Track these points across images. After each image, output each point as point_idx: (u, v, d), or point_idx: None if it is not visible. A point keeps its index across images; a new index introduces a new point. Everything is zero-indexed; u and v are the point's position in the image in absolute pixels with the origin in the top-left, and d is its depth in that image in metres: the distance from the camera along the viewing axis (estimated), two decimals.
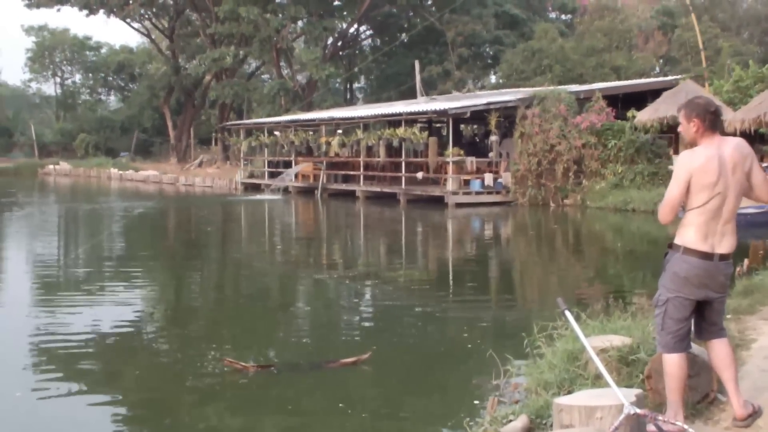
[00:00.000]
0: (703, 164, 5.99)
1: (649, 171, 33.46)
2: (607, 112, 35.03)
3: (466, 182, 36.53)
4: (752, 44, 60.86)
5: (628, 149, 33.98)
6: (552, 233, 28.58)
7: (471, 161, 37.49)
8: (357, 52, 76.53)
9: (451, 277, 19.34)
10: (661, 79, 48.87)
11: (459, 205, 34.93)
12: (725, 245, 6.12)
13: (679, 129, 6.37)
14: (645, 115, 32.50)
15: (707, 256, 6.05)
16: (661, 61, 70.82)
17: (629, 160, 33.99)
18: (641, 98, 36.37)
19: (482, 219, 32.62)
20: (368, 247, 25.82)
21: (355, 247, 26.01)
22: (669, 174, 31.44)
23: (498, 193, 36.10)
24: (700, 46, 41.72)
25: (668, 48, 66.22)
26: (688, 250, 6.06)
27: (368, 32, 76.43)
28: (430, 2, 68.08)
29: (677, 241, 6.16)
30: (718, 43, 55.27)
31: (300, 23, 67.20)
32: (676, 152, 33.94)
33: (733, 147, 6.16)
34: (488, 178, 36.45)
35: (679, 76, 41.10)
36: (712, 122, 6.16)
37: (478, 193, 36.09)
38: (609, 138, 34.39)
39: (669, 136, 34.75)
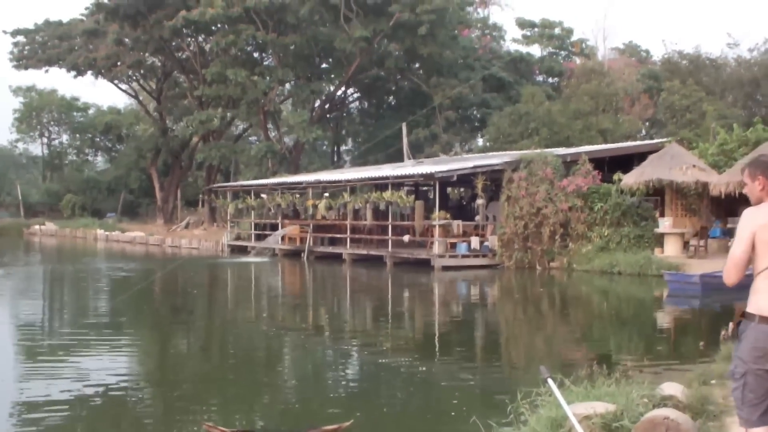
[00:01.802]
0: (767, 221, 5.72)
1: (635, 234, 33.54)
2: (593, 175, 35.16)
3: (453, 245, 36.55)
4: (736, 108, 61.31)
5: (614, 212, 34.07)
6: (538, 296, 28.54)
7: (457, 224, 37.57)
8: (344, 114, 76.94)
9: (436, 341, 19.27)
10: (647, 142, 49.24)
11: (445, 268, 34.90)
12: None
13: (744, 190, 6.07)
14: (631, 178, 32.67)
15: None
16: (647, 123, 71.33)
17: (615, 223, 34.06)
18: (627, 161, 36.58)
19: (469, 282, 32.57)
20: (354, 310, 25.72)
21: (341, 310, 25.92)
22: (655, 237, 31.69)
23: (484, 256, 36.12)
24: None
25: (654, 111, 66.71)
26: (763, 318, 5.70)
27: (356, 95, 76.87)
28: (417, 65, 68.47)
29: (750, 309, 5.81)
30: (703, 107, 55.72)
31: (288, 86, 67.76)
32: (662, 215, 34.14)
33: None
34: (475, 241, 36.51)
35: (664, 139, 41.38)
36: None
37: (464, 256, 36.08)
38: (595, 201, 34.50)
39: (655, 198, 34.93)
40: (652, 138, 61.53)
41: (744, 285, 18.28)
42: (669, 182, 32.54)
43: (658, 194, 35.02)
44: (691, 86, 60.72)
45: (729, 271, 5.77)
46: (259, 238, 48.23)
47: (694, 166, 32.62)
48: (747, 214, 5.85)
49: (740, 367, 5.83)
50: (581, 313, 24.60)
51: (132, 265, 41.24)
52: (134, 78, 73.64)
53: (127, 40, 64.53)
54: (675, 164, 32.38)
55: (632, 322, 22.33)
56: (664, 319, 22.81)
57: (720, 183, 29.48)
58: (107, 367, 15.02)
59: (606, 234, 33.88)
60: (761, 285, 5.73)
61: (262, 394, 13.32)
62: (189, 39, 66.13)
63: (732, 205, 34.57)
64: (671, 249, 31.88)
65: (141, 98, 78.21)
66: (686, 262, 29.75)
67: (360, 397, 12.97)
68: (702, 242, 32.79)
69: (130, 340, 19.02)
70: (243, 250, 47.80)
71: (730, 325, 13.97)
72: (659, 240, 32.70)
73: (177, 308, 25.64)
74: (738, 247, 5.74)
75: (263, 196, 49.46)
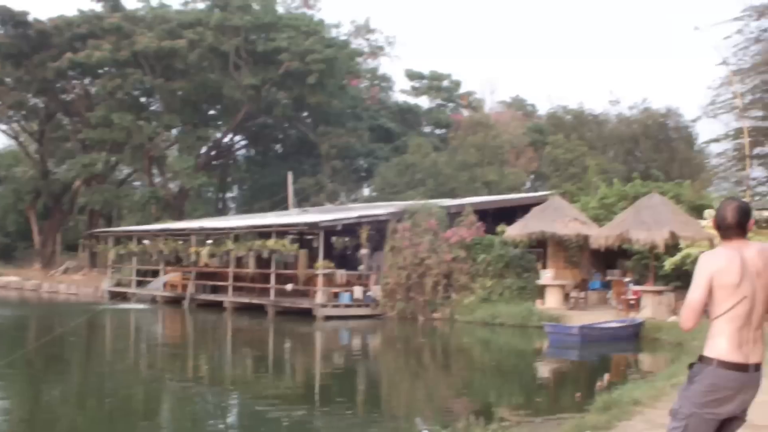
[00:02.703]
0: (724, 265, 5.67)
1: (517, 285, 33.79)
2: (477, 227, 35.42)
3: (336, 295, 36.39)
4: (617, 163, 62.50)
5: (497, 264, 34.31)
6: (420, 347, 28.56)
7: (341, 274, 37.48)
8: (231, 161, 76.47)
9: (317, 391, 19.15)
10: (531, 194, 49.83)
11: (328, 318, 34.70)
12: (758, 353, 5.72)
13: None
14: (514, 230, 32.93)
15: (742, 367, 5.64)
16: (531, 176, 72.29)
17: (498, 275, 34.28)
18: (511, 213, 36.89)
19: (351, 332, 32.47)
20: (235, 360, 25.43)
21: (222, 359, 25.61)
22: (537, 289, 32.02)
23: (367, 306, 36.00)
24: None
25: (538, 164, 67.69)
26: (722, 363, 5.63)
27: (243, 142, 76.47)
28: (305, 114, 68.48)
29: (708, 353, 5.71)
30: (586, 161, 56.72)
31: (174, 131, 67.12)
32: (544, 267, 34.50)
33: (756, 250, 5.83)
34: (358, 290, 36.41)
35: (548, 192, 41.92)
36: (738, 223, 5.84)
37: (347, 305, 35.93)
38: (479, 252, 34.71)
39: (538, 250, 35.30)
40: (536, 190, 62.27)
41: (618, 336, 18.55)
42: (551, 234, 32.87)
43: (540, 246, 35.39)
44: (574, 141, 61.87)
45: (687, 316, 5.70)
46: (141, 284, 47.50)
47: (575, 219, 33.01)
48: (703, 258, 5.84)
49: (686, 408, 5.75)
50: (462, 364, 24.68)
51: (4, 312, 40.19)
52: (15, 119, 72.10)
53: (8, 79, 63.23)
54: (557, 217, 32.74)
55: (512, 373, 22.46)
56: (543, 370, 22.99)
57: (600, 236, 29.87)
58: None
59: (489, 285, 34.06)
60: (720, 329, 5.70)
61: None
62: (74, 81, 65.15)
63: (611, 258, 35.12)
64: (552, 300, 32.16)
65: (21, 139, 76.57)
66: (567, 314, 30.05)
67: None
68: (582, 294, 33.20)
69: None
70: (123, 297, 46.97)
71: (606, 376, 14.10)
72: (541, 291, 32.96)
73: (52, 356, 25.00)
74: (695, 292, 5.69)
75: (146, 242, 48.79)
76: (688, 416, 5.70)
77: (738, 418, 5.82)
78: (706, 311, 5.78)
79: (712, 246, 26.99)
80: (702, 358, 5.76)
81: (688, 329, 5.77)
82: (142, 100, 66.46)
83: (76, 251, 74.63)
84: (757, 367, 5.71)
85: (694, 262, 19.37)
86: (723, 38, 34.79)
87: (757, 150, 29.70)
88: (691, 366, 5.85)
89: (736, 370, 5.63)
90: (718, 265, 5.70)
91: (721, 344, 5.67)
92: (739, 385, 5.66)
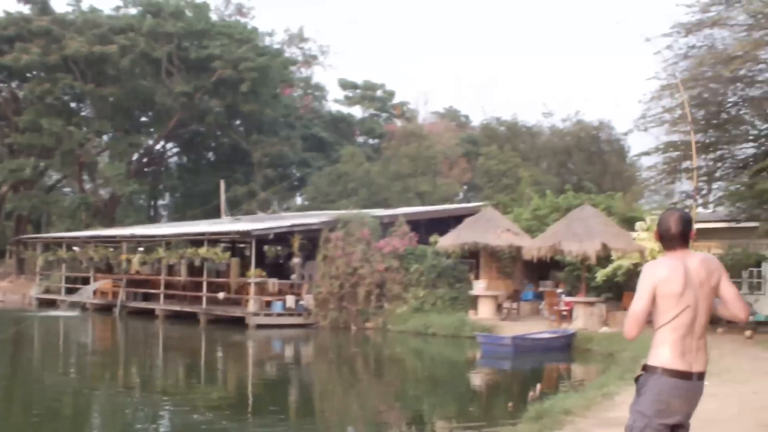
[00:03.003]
0: (667, 275, 5.72)
1: (450, 295, 33.86)
2: (410, 237, 35.45)
3: (268, 303, 36.21)
4: (550, 174, 62.93)
5: (430, 274, 34.36)
6: (352, 357, 28.51)
7: (273, 283, 37.30)
8: (163, 169, 75.90)
9: (249, 400, 19.03)
10: (463, 205, 50.08)
11: (260, 327, 34.50)
12: (701, 362, 5.79)
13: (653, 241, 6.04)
14: (447, 241, 32.99)
15: (686, 375, 5.71)
16: (464, 187, 72.64)
17: (431, 285, 34.33)
18: (444, 223, 36.97)
19: (283, 341, 32.35)
20: (166, 368, 25.22)
21: (153, 367, 25.37)
22: (470, 299, 32.10)
23: (300, 315, 35.84)
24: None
25: (472, 175, 67.99)
26: (666, 371, 5.68)
27: (175, 149, 76.00)
28: (238, 122, 68.27)
29: (652, 362, 5.77)
30: (519, 172, 57.04)
31: (105, 137, 66.47)
32: (477, 277, 34.63)
33: (698, 260, 5.90)
34: (290, 300, 36.25)
35: (481, 203, 42.08)
36: (681, 233, 5.91)
37: (279, 314, 35.75)
38: (411, 262, 34.74)
39: (470, 261, 35.43)
40: (469, 201, 62.61)
41: (550, 347, 18.63)
42: (484, 245, 33.00)
43: (473, 257, 35.54)
44: (507, 152, 62.20)
45: (630, 325, 5.77)
46: (70, 291, 46.92)
47: (508, 230, 33.15)
48: (646, 268, 5.88)
49: (639, 421, 5.76)
50: (395, 373, 24.67)
51: None
52: None
53: None
54: (490, 228, 32.85)
55: (445, 383, 22.47)
56: (476, 380, 23.05)
57: (532, 247, 30.02)
58: None
59: (421, 295, 34.11)
60: (663, 338, 5.75)
61: None
62: (1, 84, 64.28)
63: (544, 269, 35.35)
64: (485, 311, 32.27)
65: None
66: (499, 324, 30.15)
67: None
68: (515, 305, 33.34)
69: None
70: (52, 304, 46.35)
71: (538, 386, 14.17)
72: (473, 302, 33.05)
73: None
74: (639, 302, 5.72)
75: (76, 248, 48.25)
76: (642, 429, 5.74)
77: (682, 426, 5.85)
78: (650, 320, 5.80)
79: (643, 257, 27.32)
80: (646, 367, 5.81)
81: (631, 338, 5.83)
82: (73, 105, 65.66)
83: (2, 257, 73.53)
84: (701, 375, 5.78)
85: (626, 273, 19.66)
86: (653, 53, 34.98)
87: (686, 164, 29.97)
88: (637, 379, 5.89)
89: (680, 378, 5.69)
90: (661, 275, 5.74)
91: (664, 353, 5.71)
92: (683, 392, 5.72)
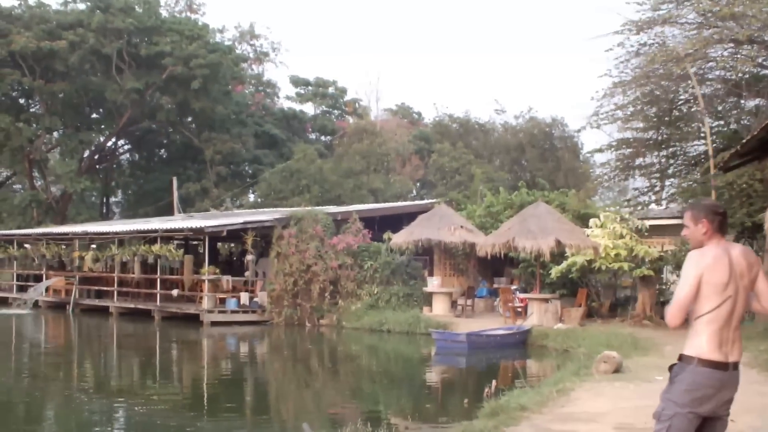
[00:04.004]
0: (713, 264, 5.78)
1: (404, 292, 33.88)
2: (363, 234, 35.45)
3: (222, 301, 36.09)
4: (503, 171, 63.28)
5: (384, 271, 34.39)
6: (307, 353, 28.52)
7: (227, 280, 37.17)
8: (115, 166, 75.35)
9: (205, 398, 18.98)
10: (417, 202, 50.18)
11: (214, 324, 34.37)
12: (737, 353, 5.87)
13: (684, 233, 6.06)
14: (401, 238, 33.03)
15: (722, 365, 5.77)
16: (417, 184, 72.79)
17: (385, 282, 34.36)
18: (398, 220, 37.04)
19: (237, 338, 32.27)
20: (119, 367, 25.08)
21: (107, 366, 25.26)
22: (424, 296, 32.16)
23: (254, 312, 35.76)
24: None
25: (424, 172, 68.15)
26: (702, 361, 5.75)
27: (127, 146, 75.48)
28: (189, 119, 67.89)
29: (689, 352, 5.83)
30: (472, 169, 57.25)
31: (56, 134, 65.94)
32: (431, 274, 34.71)
33: (740, 251, 5.98)
34: (244, 297, 36.17)
35: (434, 200, 42.17)
36: (721, 223, 6.00)
37: (233, 311, 35.64)
38: (365, 259, 34.75)
39: (424, 258, 35.50)
40: (422, 198, 62.80)
41: (505, 343, 18.66)
42: (437, 242, 33.09)
43: (427, 254, 35.60)
44: (460, 149, 62.50)
45: (674, 313, 5.78)
46: (22, 289, 46.53)
47: (461, 226, 33.26)
48: (693, 255, 5.91)
49: (669, 409, 5.83)
50: (350, 370, 24.68)
51: None
52: None
53: None
54: (443, 225, 32.94)
55: (400, 379, 22.55)
56: (431, 376, 23.12)
57: (486, 244, 30.10)
58: None
59: (375, 292, 34.13)
60: (702, 328, 5.79)
61: None
62: None
63: (498, 266, 35.51)
64: (439, 308, 32.33)
65: None
66: (454, 321, 30.22)
67: None
68: (469, 301, 33.46)
69: None
70: (3, 302, 45.96)
71: (493, 382, 14.25)
72: (428, 299, 33.12)
73: None
74: (684, 289, 5.77)
75: (27, 246, 47.89)
76: (671, 417, 5.81)
77: (720, 418, 5.94)
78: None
79: (597, 254, 27.54)
80: (682, 357, 5.88)
81: (674, 326, 5.84)
82: (22, 101, 64.96)
83: None
84: (736, 366, 5.86)
85: (580, 270, 19.76)
86: (605, 51, 35.27)
87: (639, 161, 30.28)
88: (671, 367, 5.96)
89: (716, 369, 5.76)
90: (708, 263, 5.80)
91: (701, 343, 5.79)
92: (719, 383, 5.79)
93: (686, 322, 5.95)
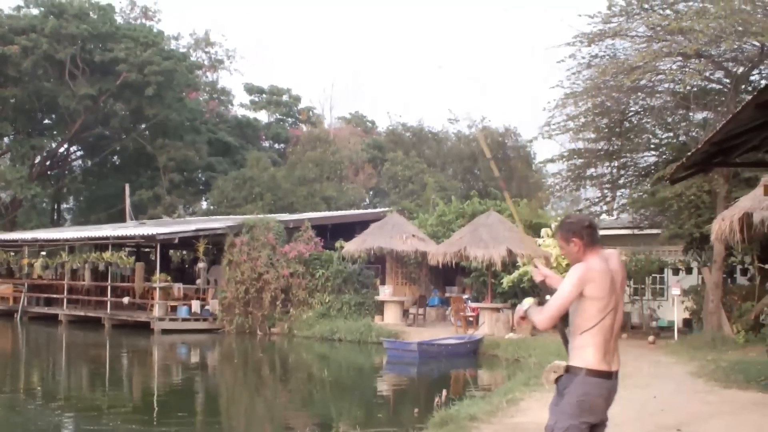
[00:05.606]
0: (597, 279, 5.84)
1: (356, 301, 33.89)
2: (315, 242, 35.43)
3: (173, 308, 35.95)
4: (456, 180, 63.49)
5: (335, 279, 34.39)
6: (258, 362, 28.43)
7: (178, 287, 37.06)
8: (66, 172, 74.71)
9: (155, 406, 18.84)
10: (369, 210, 50.24)
11: (165, 332, 34.23)
12: (617, 361, 6.01)
13: (561, 253, 6.10)
14: (353, 246, 33.07)
15: (608, 375, 5.90)
16: (370, 192, 72.83)
17: (337, 290, 34.36)
18: (350, 229, 37.07)
19: (188, 346, 32.16)
20: (70, 374, 24.90)
21: (56, 373, 25.04)
22: (376, 305, 32.17)
23: (205, 320, 35.67)
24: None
25: (377, 180, 68.21)
26: (591, 371, 5.85)
27: (79, 153, 74.87)
28: (143, 126, 67.44)
29: (576, 363, 5.92)
30: (424, 178, 57.39)
31: (6, 140, 65.28)
32: (383, 283, 34.75)
33: (616, 260, 6.09)
34: (195, 304, 36.06)
35: (386, 209, 42.23)
36: (591, 235, 6.04)
37: (185, 319, 35.51)
38: (317, 267, 34.74)
39: (376, 266, 35.52)
40: (374, 207, 62.88)
41: (457, 353, 18.70)
42: (389, 251, 33.15)
43: (379, 262, 35.65)
44: (413, 158, 62.67)
45: (550, 315, 5.88)
46: None
47: (413, 235, 33.34)
48: (578, 270, 5.93)
49: (563, 421, 5.92)
50: (301, 379, 24.63)
51: None
52: None
53: None
54: (396, 233, 33.00)
55: (352, 388, 22.51)
56: (382, 385, 23.11)
57: (438, 253, 30.20)
58: None
59: (327, 301, 34.13)
60: (588, 341, 5.88)
61: None
62: None
63: (450, 275, 35.59)
64: (391, 317, 32.37)
65: None
66: (405, 330, 30.27)
67: None
68: (421, 310, 33.54)
69: None
70: None
71: (444, 392, 14.30)
72: (380, 308, 33.16)
73: None
74: (567, 298, 5.84)
75: None
76: (565, 429, 5.90)
77: (603, 423, 6.09)
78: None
79: (548, 263, 27.63)
80: (569, 369, 5.97)
81: (545, 329, 6.03)
82: None
83: None
84: (617, 374, 6.01)
85: (531, 280, 19.76)
86: (557, 62, 35.53)
87: (590, 171, 30.52)
88: (557, 380, 6.06)
89: (603, 378, 5.89)
90: (592, 278, 5.87)
91: (588, 355, 5.89)
92: (606, 392, 5.94)
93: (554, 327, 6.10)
